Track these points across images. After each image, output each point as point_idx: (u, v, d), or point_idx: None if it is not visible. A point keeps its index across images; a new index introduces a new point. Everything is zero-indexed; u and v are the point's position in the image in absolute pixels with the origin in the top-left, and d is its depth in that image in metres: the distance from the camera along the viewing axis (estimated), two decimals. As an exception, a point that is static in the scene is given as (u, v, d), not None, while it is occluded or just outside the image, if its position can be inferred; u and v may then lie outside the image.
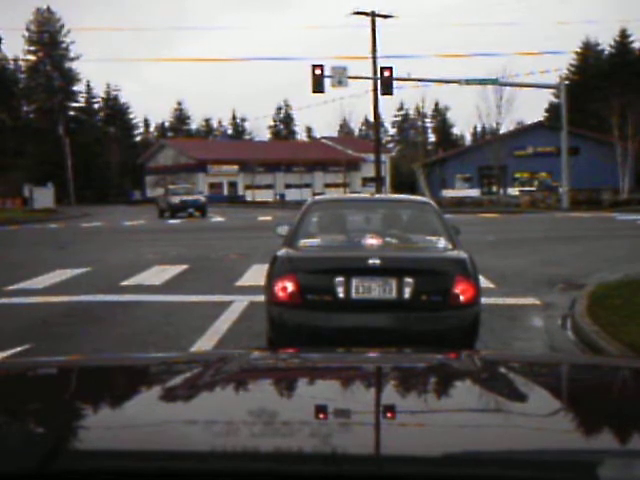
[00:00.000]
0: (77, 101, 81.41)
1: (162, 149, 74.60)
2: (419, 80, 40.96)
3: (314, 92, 33.11)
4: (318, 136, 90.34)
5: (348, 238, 6.80)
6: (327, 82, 33.40)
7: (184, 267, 13.85)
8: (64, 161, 61.94)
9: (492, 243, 17.85)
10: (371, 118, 50.85)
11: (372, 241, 6.38)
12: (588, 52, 69.25)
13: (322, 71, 33.00)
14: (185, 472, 1.12)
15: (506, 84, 44.82)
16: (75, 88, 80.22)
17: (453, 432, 1.31)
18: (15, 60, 75.57)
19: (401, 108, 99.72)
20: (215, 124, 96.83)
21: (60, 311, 9.45)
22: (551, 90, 52.13)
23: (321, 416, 1.46)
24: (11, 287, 11.55)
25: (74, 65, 78.06)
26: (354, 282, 5.83)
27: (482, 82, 40.71)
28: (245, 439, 1.23)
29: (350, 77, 34.49)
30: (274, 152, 70.84)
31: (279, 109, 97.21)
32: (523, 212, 36.37)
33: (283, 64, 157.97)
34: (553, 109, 66.95)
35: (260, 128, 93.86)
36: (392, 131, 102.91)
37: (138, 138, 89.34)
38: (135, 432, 1.32)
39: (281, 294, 5.88)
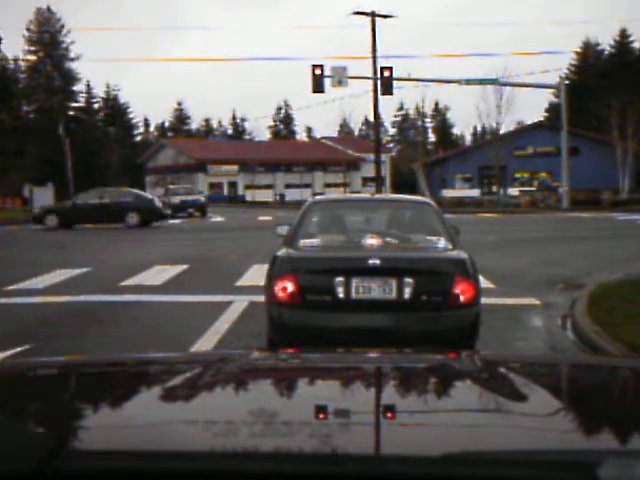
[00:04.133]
0: (77, 101, 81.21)
1: (162, 149, 74.60)
2: (419, 80, 41.00)
3: (314, 92, 33.12)
4: (318, 136, 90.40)
5: (348, 238, 6.80)
6: (327, 82, 33.44)
7: (184, 267, 13.84)
8: (64, 161, 61.76)
9: (492, 243, 17.84)
10: (371, 118, 50.87)
11: (372, 241, 6.38)
12: (588, 52, 69.22)
13: (322, 71, 33.00)
14: (185, 472, 1.12)
15: (506, 84, 44.86)
16: (75, 88, 79.98)
17: (453, 432, 1.31)
18: (15, 60, 75.29)
19: (401, 108, 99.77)
20: (215, 124, 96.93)
21: (60, 311, 9.45)
22: (551, 90, 52.15)
23: (321, 416, 1.46)
24: (11, 287, 11.54)
25: (74, 65, 78.02)
26: (354, 282, 5.83)
27: (482, 82, 40.72)
28: (245, 439, 1.23)
29: (350, 77, 34.49)
30: (274, 152, 70.85)
31: (279, 109, 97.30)
32: (523, 212, 36.40)
33: (283, 64, 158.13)
34: (553, 109, 66.95)
35: (260, 128, 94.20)
36: (392, 131, 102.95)
37: (138, 138, 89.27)
38: (135, 432, 1.32)
39: (281, 294, 5.88)
